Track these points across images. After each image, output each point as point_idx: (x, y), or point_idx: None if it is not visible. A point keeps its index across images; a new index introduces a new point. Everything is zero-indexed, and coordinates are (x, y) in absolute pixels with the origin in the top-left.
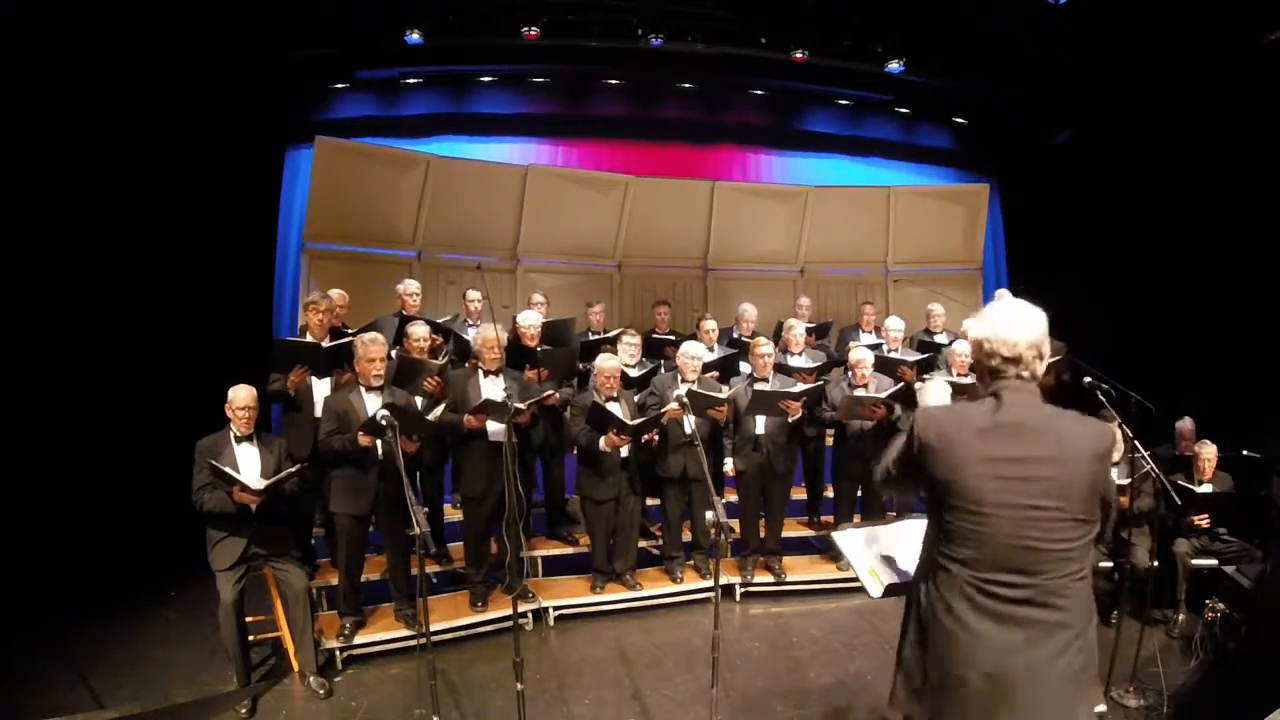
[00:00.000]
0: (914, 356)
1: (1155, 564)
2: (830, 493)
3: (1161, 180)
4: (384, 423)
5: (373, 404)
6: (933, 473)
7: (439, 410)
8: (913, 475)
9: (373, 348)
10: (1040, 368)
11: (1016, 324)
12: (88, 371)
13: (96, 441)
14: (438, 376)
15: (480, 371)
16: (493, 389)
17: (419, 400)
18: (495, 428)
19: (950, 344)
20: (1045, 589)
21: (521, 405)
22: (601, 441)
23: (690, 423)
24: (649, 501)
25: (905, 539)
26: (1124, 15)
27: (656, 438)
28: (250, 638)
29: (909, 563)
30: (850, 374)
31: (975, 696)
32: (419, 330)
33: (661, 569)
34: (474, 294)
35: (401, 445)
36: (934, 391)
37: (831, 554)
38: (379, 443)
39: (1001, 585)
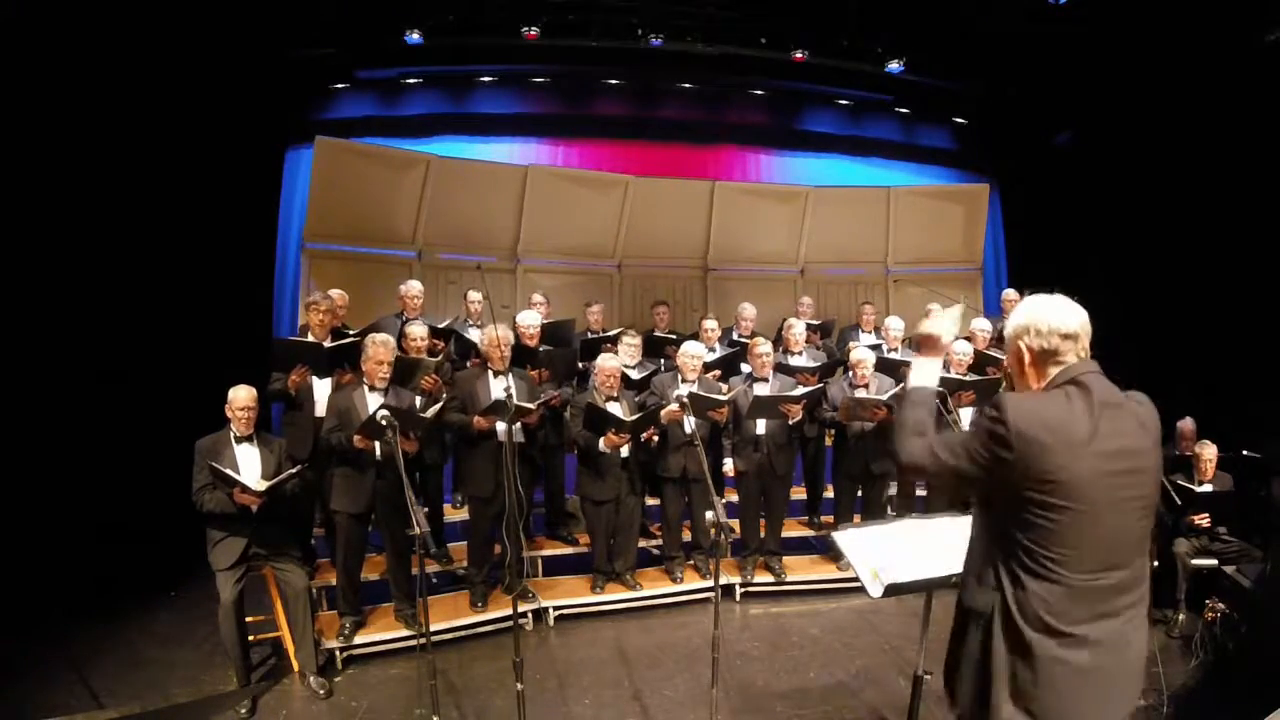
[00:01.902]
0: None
1: (1155, 564)
2: (830, 493)
3: (1162, 180)
4: (383, 422)
5: (374, 404)
6: (1030, 470)
7: (435, 409)
8: (987, 472)
9: (382, 349)
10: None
11: (1063, 306)
12: (88, 371)
13: (97, 441)
14: (434, 375)
15: (490, 372)
16: (501, 389)
17: (418, 400)
18: (505, 428)
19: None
20: (1134, 573)
21: (530, 405)
22: (601, 442)
23: (690, 423)
24: (649, 501)
25: (906, 539)
26: (1124, 15)
27: (656, 436)
28: (250, 638)
29: (910, 563)
30: (851, 374)
31: (1088, 699)
32: (417, 330)
33: (661, 569)
34: (475, 295)
35: (402, 445)
36: (947, 317)
37: (831, 554)
38: (377, 443)
39: (1103, 581)
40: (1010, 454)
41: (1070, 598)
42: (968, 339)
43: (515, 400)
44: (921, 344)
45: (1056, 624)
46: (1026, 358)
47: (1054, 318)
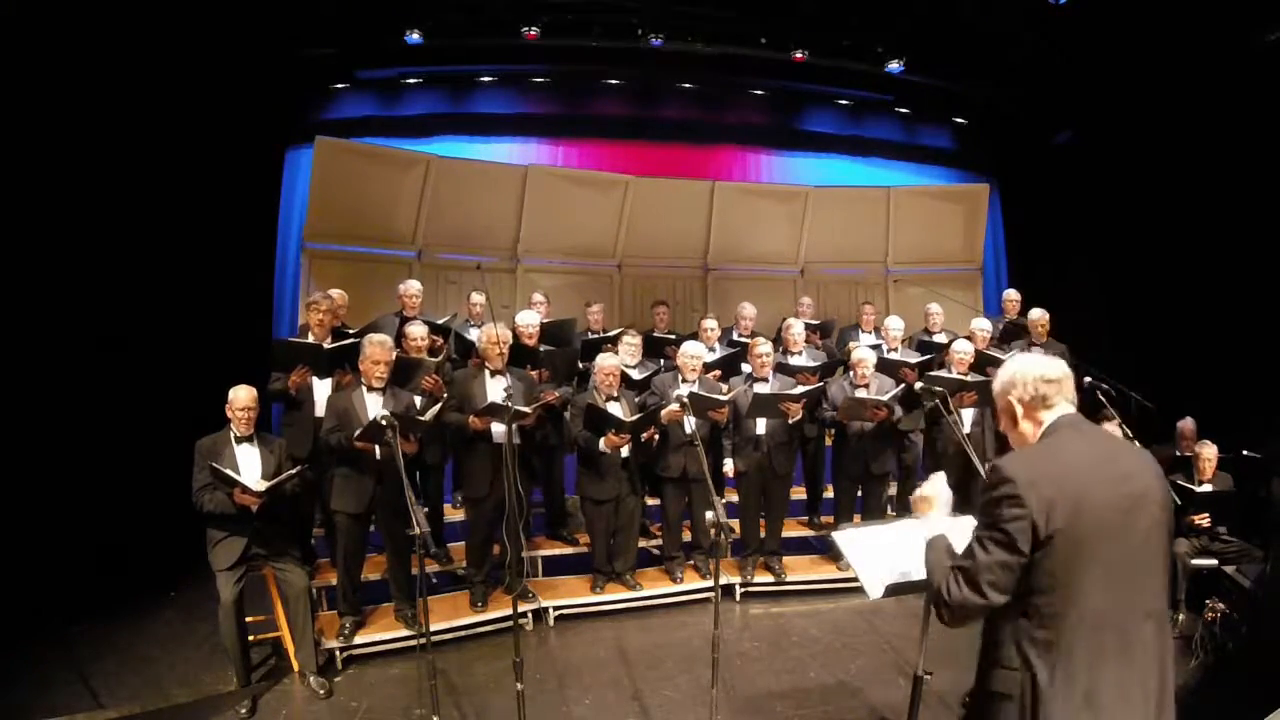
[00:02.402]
0: (915, 357)
1: None
2: (830, 493)
3: (1162, 180)
4: (384, 423)
5: (374, 404)
6: (1045, 517)
7: (435, 410)
8: (1017, 551)
9: (379, 350)
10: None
11: (1041, 358)
12: (88, 371)
13: (97, 441)
14: (435, 375)
15: (487, 371)
16: (499, 389)
17: (417, 399)
18: (501, 429)
19: (950, 344)
20: (1160, 597)
21: (527, 410)
22: (601, 442)
23: (690, 423)
24: (649, 501)
25: (906, 539)
26: (1124, 15)
27: (657, 436)
28: (250, 638)
29: (909, 563)
30: (851, 374)
31: None
32: (416, 330)
33: (661, 569)
34: (477, 297)
35: (401, 446)
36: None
37: (831, 554)
38: (377, 445)
39: (1136, 616)
40: (1024, 509)
41: (1099, 653)
42: (968, 339)
43: (514, 402)
44: (918, 506)
45: (1087, 684)
46: (1019, 410)
47: (1034, 368)
